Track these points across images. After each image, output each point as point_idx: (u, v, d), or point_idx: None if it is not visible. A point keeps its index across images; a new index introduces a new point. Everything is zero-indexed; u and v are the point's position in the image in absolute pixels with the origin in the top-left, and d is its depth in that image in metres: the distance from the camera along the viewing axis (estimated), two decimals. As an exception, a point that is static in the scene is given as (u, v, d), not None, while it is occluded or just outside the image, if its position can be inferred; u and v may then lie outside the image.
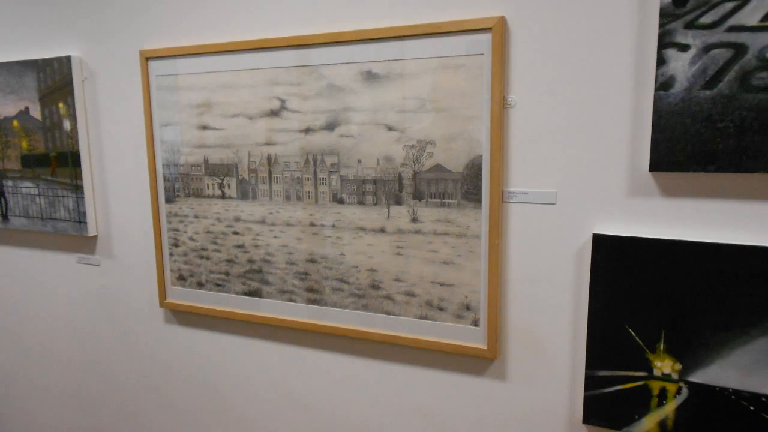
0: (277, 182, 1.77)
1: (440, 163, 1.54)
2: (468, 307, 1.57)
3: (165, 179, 1.97)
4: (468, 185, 1.52)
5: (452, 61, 1.48)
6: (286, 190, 1.76)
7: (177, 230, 1.97)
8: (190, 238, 1.96)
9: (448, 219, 1.55)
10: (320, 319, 1.79)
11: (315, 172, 1.71)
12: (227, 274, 1.91)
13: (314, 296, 1.78)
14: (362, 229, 1.67)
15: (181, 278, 2.01)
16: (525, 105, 1.45)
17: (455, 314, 1.59)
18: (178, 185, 1.94)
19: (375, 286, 1.68)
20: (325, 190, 1.71)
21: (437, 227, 1.57)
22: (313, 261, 1.76)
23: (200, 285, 1.97)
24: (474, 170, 1.50)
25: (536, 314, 1.53)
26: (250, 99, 1.75)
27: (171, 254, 2.01)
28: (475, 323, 1.57)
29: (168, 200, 1.98)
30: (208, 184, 1.89)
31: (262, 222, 1.82)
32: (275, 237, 1.80)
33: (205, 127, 1.84)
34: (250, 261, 1.86)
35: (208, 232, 1.92)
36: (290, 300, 1.82)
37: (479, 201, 1.51)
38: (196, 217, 1.93)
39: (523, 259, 1.52)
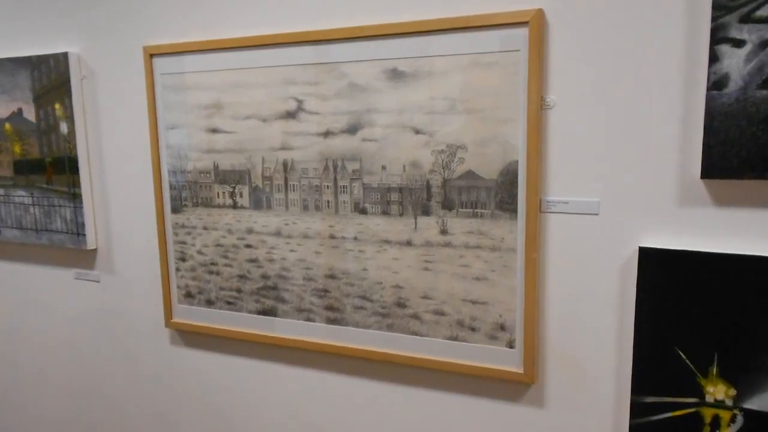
0: (293, 190, 1.86)
1: (472, 170, 1.61)
2: (503, 327, 1.64)
3: (171, 187, 2.07)
4: (502, 194, 1.59)
5: (485, 58, 1.55)
6: (304, 199, 1.85)
7: (184, 243, 2.08)
8: (199, 252, 2.06)
9: (481, 231, 1.63)
10: (341, 340, 1.87)
11: (335, 180, 1.79)
12: (239, 291, 2.01)
13: (334, 315, 1.86)
14: (387, 241, 1.75)
15: (188, 295, 2.11)
16: (565, 106, 1.51)
17: (488, 335, 1.66)
18: (185, 193, 2.05)
19: (401, 304, 1.76)
20: (346, 199, 1.79)
21: (469, 240, 1.65)
22: (333, 277, 1.85)
23: (209, 303, 2.07)
24: (509, 177, 1.58)
25: (577, 335, 1.59)
26: (264, 99, 1.85)
27: (178, 269, 2.11)
28: (511, 345, 1.64)
29: (174, 210, 2.08)
30: (218, 193, 1.99)
31: (278, 234, 1.91)
32: (292, 250, 1.90)
33: (214, 130, 1.94)
34: (264, 276, 1.96)
35: (218, 245, 2.02)
36: (308, 319, 1.91)
37: (515, 211, 1.58)
38: (205, 228, 2.03)
39: (562, 274, 1.58)
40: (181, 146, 2.01)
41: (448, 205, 1.66)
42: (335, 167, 1.78)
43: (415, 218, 1.70)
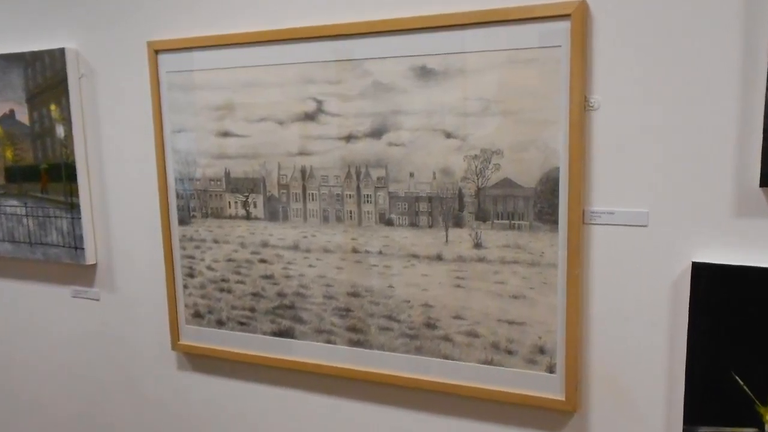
0: (312, 200, 1.93)
1: (509, 177, 1.67)
2: (542, 350, 1.70)
3: (178, 196, 2.15)
4: (542, 203, 1.65)
5: (523, 55, 1.61)
6: (324, 209, 1.93)
7: (192, 258, 2.16)
8: (209, 267, 2.14)
9: (518, 244, 1.69)
10: (364, 364, 1.93)
11: (358, 188, 1.86)
12: (253, 310, 2.09)
13: (357, 337, 1.93)
14: (415, 256, 1.82)
15: (197, 315, 2.19)
16: (610, 107, 1.56)
17: (526, 359, 1.72)
18: (193, 203, 2.12)
19: (430, 325, 1.82)
20: (370, 209, 1.86)
21: (505, 254, 1.71)
22: (355, 294, 1.92)
23: (220, 323, 2.15)
24: (549, 185, 1.63)
25: (624, 358, 1.64)
26: (280, 100, 1.92)
27: (185, 286, 2.19)
28: (551, 369, 1.70)
29: (182, 221, 2.16)
30: (229, 202, 2.07)
31: (295, 248, 1.99)
32: (310, 266, 1.97)
33: (226, 134, 2.02)
34: (281, 294, 2.03)
35: (229, 260, 2.10)
36: (328, 341, 1.98)
37: (555, 222, 1.64)
38: (216, 241, 2.11)
39: (608, 292, 1.63)
40: (189, 151, 2.09)
41: (482, 216, 1.72)
42: (358, 174, 1.85)
43: (446, 230, 1.77)
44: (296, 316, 2.01)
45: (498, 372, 1.75)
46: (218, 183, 2.05)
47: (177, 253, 2.18)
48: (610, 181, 1.58)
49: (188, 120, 2.06)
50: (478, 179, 1.70)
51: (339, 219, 1.90)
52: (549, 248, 1.65)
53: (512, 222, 1.68)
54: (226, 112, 2.00)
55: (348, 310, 1.93)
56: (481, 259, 1.73)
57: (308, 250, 1.96)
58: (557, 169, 1.61)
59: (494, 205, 1.69)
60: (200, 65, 2.03)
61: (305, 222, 1.95)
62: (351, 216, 1.88)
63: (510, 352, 1.73)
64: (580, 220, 1.60)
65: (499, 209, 1.69)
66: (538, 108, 1.60)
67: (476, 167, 1.70)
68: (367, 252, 1.87)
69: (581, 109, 1.56)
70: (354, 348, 1.93)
